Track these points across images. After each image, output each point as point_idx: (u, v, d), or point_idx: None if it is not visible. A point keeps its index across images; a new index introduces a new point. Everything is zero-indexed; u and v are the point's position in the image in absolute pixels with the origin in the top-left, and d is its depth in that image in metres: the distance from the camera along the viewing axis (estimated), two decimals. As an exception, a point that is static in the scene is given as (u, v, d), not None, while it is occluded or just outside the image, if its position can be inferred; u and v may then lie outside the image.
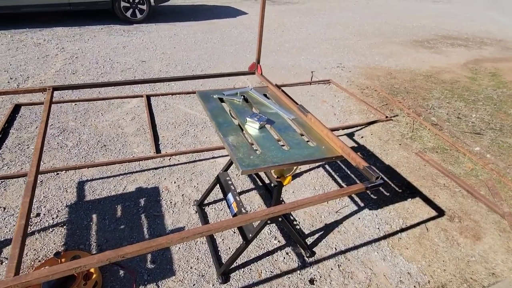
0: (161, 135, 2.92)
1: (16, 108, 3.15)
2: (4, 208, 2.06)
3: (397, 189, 2.51)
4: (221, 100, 1.76)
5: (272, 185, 1.54)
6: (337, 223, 2.16)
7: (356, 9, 10.19)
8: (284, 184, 1.48)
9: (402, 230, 2.14)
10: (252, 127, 1.49)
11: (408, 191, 2.49)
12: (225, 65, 4.65)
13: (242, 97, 1.77)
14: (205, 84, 3.98)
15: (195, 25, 6.50)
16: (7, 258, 1.76)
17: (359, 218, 2.21)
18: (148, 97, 3.49)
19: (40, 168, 2.39)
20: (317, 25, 7.58)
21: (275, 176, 1.51)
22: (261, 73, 2.06)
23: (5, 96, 3.31)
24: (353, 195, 2.41)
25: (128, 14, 6.22)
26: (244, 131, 1.49)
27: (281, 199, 1.94)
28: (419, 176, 2.66)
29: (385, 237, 2.08)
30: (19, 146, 2.64)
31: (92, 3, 5.88)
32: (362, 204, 2.33)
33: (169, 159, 2.62)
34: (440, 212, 2.30)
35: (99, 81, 3.80)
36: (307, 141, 1.46)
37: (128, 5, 6.14)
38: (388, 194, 2.45)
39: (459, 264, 1.95)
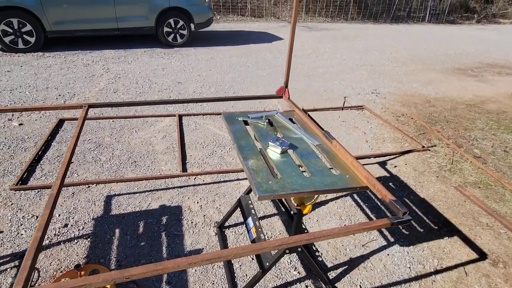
0: (189, 154, 2.97)
1: (60, 123, 3.39)
2: (37, 217, 2.16)
3: (432, 225, 2.31)
4: (246, 123, 1.75)
5: (292, 213, 1.47)
6: (363, 258, 2.01)
7: (394, 35, 10.04)
8: (304, 212, 1.41)
9: (437, 272, 1.94)
10: (273, 152, 1.46)
11: (445, 228, 2.28)
12: (257, 88, 4.72)
13: (267, 120, 1.75)
14: (236, 105, 4.04)
15: (231, 50, 6.74)
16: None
17: (388, 255, 2.04)
18: (180, 117, 3.61)
19: (71, 180, 2.52)
20: (352, 51, 7.54)
21: (295, 204, 1.45)
22: (289, 97, 2.04)
23: (52, 111, 3.58)
24: (382, 229, 2.25)
25: (170, 38, 6.61)
26: (265, 156, 1.46)
27: (304, 227, 1.86)
28: (458, 213, 2.44)
29: (416, 278, 1.89)
30: (58, 158, 2.80)
31: (138, 28, 6.34)
32: (392, 239, 2.16)
33: (194, 179, 2.64)
34: (482, 255, 2.06)
35: (132, 100, 4.00)
36: (331, 169, 1.39)
37: (170, 30, 6.54)
38: (422, 230, 2.26)
39: (504, 318, 1.71)
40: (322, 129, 1.65)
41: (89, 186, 2.49)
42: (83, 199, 2.36)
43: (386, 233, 2.21)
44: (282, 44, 7.61)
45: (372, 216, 2.37)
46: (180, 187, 2.54)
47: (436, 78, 6.02)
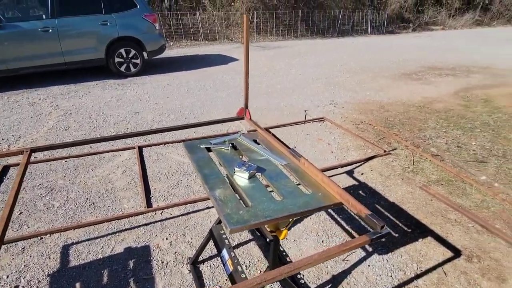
0: (153, 187, 2.80)
1: (5, 170, 3.06)
2: (-22, 283, 1.87)
3: (406, 228, 2.34)
4: (209, 149, 1.67)
5: (268, 240, 1.39)
6: (345, 273, 1.97)
7: (342, 49, 10.61)
8: (280, 238, 1.33)
9: (418, 276, 1.94)
10: (241, 177, 1.39)
11: (418, 230, 2.32)
12: (218, 110, 4.66)
13: (230, 145, 1.68)
14: (198, 131, 3.94)
15: (187, 74, 6.67)
16: None
17: (368, 266, 2.01)
18: (140, 148, 3.43)
19: (20, 234, 2.23)
20: (306, 66, 7.81)
21: (270, 230, 1.38)
22: (250, 118, 2.00)
23: (-7, 158, 3.23)
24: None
25: (122, 68, 6.40)
26: (232, 183, 1.38)
27: (282, 250, 1.78)
28: (427, 213, 2.50)
29: (399, 286, 1.88)
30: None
31: (87, 61, 6.08)
32: (370, 249, 2.15)
33: (161, 213, 2.47)
34: (456, 252, 2.11)
35: (83, 139, 3.76)
36: (302, 189, 1.34)
37: (122, 60, 6.34)
38: (397, 235, 2.27)
39: (486, 312, 1.73)
40: (288, 147, 1.62)
41: (41, 238, 2.23)
42: (35, 253, 2.10)
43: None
44: (237, 64, 7.69)
45: (348, 227, 2.35)
46: (146, 224, 2.36)
47: (386, 84, 6.38)
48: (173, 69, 7.06)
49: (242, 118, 2.04)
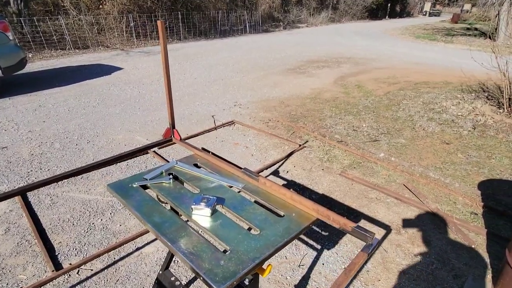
0: (56, 241, 2.20)
1: None
2: None
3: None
4: (145, 187, 1.36)
5: (247, 281, 1.21)
6: (305, 279, 1.94)
7: (228, 49, 10.79)
8: (263, 276, 1.17)
9: (366, 261, 2.06)
10: (202, 216, 1.16)
11: (352, 215, 2.49)
12: (115, 128, 4.06)
13: (170, 176, 1.41)
14: (98, 157, 3.33)
15: (63, 91, 5.62)
16: None
17: (323, 264, 2.04)
18: (24, 194, 2.67)
19: None
20: (199, 68, 7.61)
21: (247, 267, 1.20)
22: (181, 139, 1.74)
23: None
24: (302, 237, 2.25)
25: (-34, 92, 4.93)
26: (196, 224, 1.14)
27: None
28: (353, 197, 2.72)
29: (355, 276, 1.96)
30: None
31: None
32: (318, 246, 2.18)
33: (77, 273, 1.96)
34: (387, 228, 2.35)
35: None
36: (273, 213, 1.21)
37: (-36, 81, 4.88)
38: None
39: (427, 277, 1.97)
40: (239, 167, 1.45)
41: None
42: None
43: (312, 242, 2.22)
44: (123, 73, 6.92)
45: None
46: (60, 293, 1.83)
47: (278, 80, 6.76)
48: (42, 87, 5.83)
49: (171, 140, 1.76)
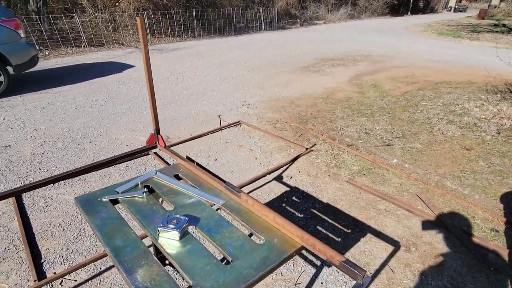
0: (44, 248, 2.13)
1: None
2: None
3: (345, 230, 2.29)
4: (116, 201, 1.24)
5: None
6: (301, 299, 1.77)
7: (242, 46, 10.65)
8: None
9: (370, 280, 1.87)
10: (169, 240, 1.02)
11: (357, 228, 2.29)
12: (119, 128, 4.00)
13: (145, 189, 1.28)
14: (98, 158, 3.26)
15: (73, 88, 5.64)
16: None
17: (321, 283, 1.87)
18: (18, 196, 2.62)
19: None
20: (210, 66, 7.51)
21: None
22: (165, 146, 1.61)
23: None
24: (303, 252, 2.08)
25: (-21, 90, 5.01)
26: (160, 250, 1.00)
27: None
28: (360, 208, 2.52)
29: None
30: None
31: None
32: (318, 263, 2.01)
33: (60, 283, 1.87)
34: (395, 244, 2.14)
35: None
36: (251, 237, 1.06)
37: (-23, 79, 4.96)
38: (339, 239, 2.20)
39: (436, 301, 1.76)
40: (223, 181, 1.30)
41: None
42: None
43: (311, 257, 2.05)
44: (135, 71, 6.90)
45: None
46: (41, 304, 1.74)
47: (290, 79, 6.56)
48: (53, 84, 5.88)
49: (155, 147, 1.63)
